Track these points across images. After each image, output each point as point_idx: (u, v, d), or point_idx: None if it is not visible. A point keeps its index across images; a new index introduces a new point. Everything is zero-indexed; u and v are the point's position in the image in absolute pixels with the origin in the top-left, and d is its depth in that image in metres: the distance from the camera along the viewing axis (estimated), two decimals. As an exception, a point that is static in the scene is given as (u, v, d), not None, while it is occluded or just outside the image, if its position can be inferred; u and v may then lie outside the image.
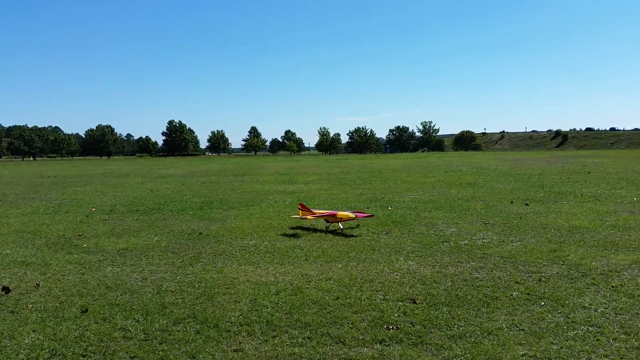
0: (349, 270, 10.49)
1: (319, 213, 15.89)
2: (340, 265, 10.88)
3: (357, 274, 10.17)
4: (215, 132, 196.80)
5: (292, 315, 7.86)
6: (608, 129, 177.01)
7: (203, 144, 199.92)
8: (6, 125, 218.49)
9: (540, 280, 9.43)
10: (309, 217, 15.72)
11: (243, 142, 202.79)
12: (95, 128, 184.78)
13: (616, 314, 7.62)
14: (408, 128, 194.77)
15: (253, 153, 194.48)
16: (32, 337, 7.16)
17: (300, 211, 16.44)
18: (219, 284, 9.62)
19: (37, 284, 9.80)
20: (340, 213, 15.13)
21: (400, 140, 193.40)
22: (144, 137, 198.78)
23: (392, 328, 7.24)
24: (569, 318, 7.48)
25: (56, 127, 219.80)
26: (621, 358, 6.15)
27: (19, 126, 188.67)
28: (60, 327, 7.51)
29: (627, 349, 6.40)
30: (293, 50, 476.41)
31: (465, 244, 12.76)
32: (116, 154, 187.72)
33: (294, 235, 14.42)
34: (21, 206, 23.06)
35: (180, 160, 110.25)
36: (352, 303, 8.38)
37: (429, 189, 27.86)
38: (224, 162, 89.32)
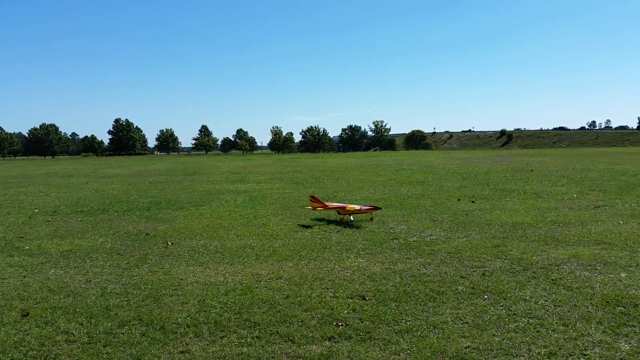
0: (300, 268, 10.50)
1: (331, 205, 16.92)
2: (291, 264, 10.87)
3: (308, 272, 10.20)
4: (164, 130, 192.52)
5: (241, 315, 7.80)
6: (556, 128, 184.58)
7: (151, 143, 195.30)
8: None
9: (484, 274, 9.73)
10: (319, 208, 16.81)
11: (193, 141, 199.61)
12: (38, 127, 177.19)
13: (555, 306, 7.95)
14: (360, 127, 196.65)
15: (204, 152, 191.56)
16: (-36, 345, 6.80)
17: (311, 203, 17.07)
18: (165, 286, 9.43)
19: (-29, 289, 9.32)
20: (350, 206, 16.30)
21: (353, 140, 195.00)
22: (89, 136, 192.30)
23: (342, 325, 7.30)
24: (511, 310, 7.75)
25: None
26: (559, 348, 6.42)
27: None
28: (-3, 333, 7.17)
29: (565, 339, 6.69)
30: (244, 48, 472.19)
31: (414, 241, 13.00)
32: (61, 154, 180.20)
33: (245, 235, 14.31)
34: (-45, 208, 21.83)
35: (127, 159, 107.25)
36: (302, 301, 8.39)
37: (380, 187, 28.24)
38: (173, 161, 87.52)
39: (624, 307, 7.80)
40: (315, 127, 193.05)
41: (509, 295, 8.48)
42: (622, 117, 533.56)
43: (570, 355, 6.23)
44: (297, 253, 11.88)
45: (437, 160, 59.31)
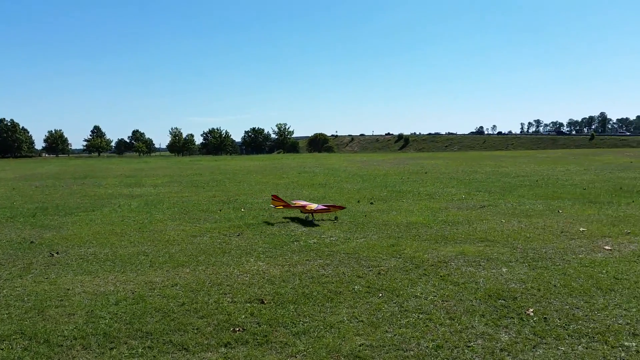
0: (197, 274, 10.23)
1: (295, 204, 17.92)
2: (187, 270, 10.56)
3: (205, 277, 9.96)
4: (53, 131, 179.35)
5: (133, 325, 7.46)
6: (448, 132, 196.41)
7: (39, 144, 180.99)
8: None
9: (379, 273, 10.07)
10: (279, 207, 17.66)
11: (85, 143, 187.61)
12: None
13: (443, 301, 8.41)
14: (264, 130, 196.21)
15: (96, 154, 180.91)
16: None
17: (273, 202, 17.85)
18: (51, 297, 8.80)
19: None
20: (309, 205, 17.05)
21: (256, 142, 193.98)
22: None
23: (239, 330, 7.21)
24: (403, 307, 8.09)
25: None
26: (446, 341, 6.79)
27: None
28: None
29: (450, 332, 7.09)
30: (141, 46, 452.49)
31: (314, 243, 13.17)
32: None
33: (139, 241, 13.70)
34: None
35: (12, 162, 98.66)
36: (199, 308, 8.18)
37: (283, 190, 28.32)
38: (62, 164, 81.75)
39: (504, 300, 8.42)
40: (217, 128, 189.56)
41: (401, 292, 8.84)
42: (507, 123, 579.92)
43: (455, 347, 6.62)
44: (194, 258, 11.58)
45: (338, 163, 60.65)
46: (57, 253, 12.27)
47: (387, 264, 10.85)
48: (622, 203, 19.87)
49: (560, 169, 40.83)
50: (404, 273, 10.08)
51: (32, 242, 13.75)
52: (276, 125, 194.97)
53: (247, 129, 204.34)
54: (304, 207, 17.11)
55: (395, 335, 6.99)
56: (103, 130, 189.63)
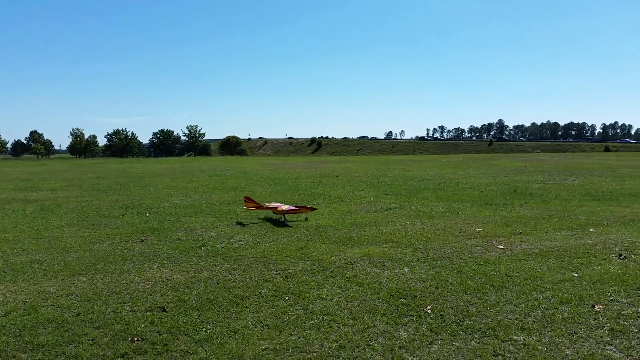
0: (95, 283, 9.70)
1: (267, 206, 18.10)
2: (84, 279, 9.98)
3: (103, 286, 9.46)
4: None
5: (23, 338, 6.97)
6: (360, 137, 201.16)
7: None
8: None
9: (286, 276, 10.09)
10: (252, 208, 18.19)
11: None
12: None
13: (347, 301, 8.58)
14: (173, 132, 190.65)
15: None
16: None
17: (245, 203, 18.35)
18: None
19: None
20: (281, 207, 17.39)
21: (165, 144, 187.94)
22: None
23: (137, 340, 6.91)
24: (308, 309, 8.16)
25: None
26: (348, 341, 6.93)
27: None
28: None
29: (353, 332, 7.24)
30: (43, 42, 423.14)
31: (222, 247, 12.95)
32: None
33: (33, 249, 12.77)
34: None
35: None
36: (95, 318, 7.76)
37: (192, 193, 27.63)
38: (-53, 166, 74.50)
39: (405, 298, 8.73)
40: (122, 130, 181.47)
41: (308, 295, 8.91)
42: (415, 127, 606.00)
43: (357, 346, 6.77)
44: (92, 266, 10.97)
45: (250, 166, 60.18)
46: None
47: (295, 267, 10.89)
48: (515, 205, 21.35)
49: (461, 173, 43.16)
50: (311, 275, 10.17)
51: None
52: (187, 127, 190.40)
53: (155, 130, 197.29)
54: (275, 208, 17.38)
55: (299, 337, 7.03)
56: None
